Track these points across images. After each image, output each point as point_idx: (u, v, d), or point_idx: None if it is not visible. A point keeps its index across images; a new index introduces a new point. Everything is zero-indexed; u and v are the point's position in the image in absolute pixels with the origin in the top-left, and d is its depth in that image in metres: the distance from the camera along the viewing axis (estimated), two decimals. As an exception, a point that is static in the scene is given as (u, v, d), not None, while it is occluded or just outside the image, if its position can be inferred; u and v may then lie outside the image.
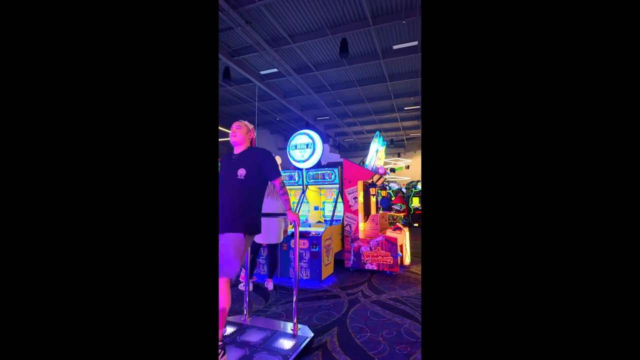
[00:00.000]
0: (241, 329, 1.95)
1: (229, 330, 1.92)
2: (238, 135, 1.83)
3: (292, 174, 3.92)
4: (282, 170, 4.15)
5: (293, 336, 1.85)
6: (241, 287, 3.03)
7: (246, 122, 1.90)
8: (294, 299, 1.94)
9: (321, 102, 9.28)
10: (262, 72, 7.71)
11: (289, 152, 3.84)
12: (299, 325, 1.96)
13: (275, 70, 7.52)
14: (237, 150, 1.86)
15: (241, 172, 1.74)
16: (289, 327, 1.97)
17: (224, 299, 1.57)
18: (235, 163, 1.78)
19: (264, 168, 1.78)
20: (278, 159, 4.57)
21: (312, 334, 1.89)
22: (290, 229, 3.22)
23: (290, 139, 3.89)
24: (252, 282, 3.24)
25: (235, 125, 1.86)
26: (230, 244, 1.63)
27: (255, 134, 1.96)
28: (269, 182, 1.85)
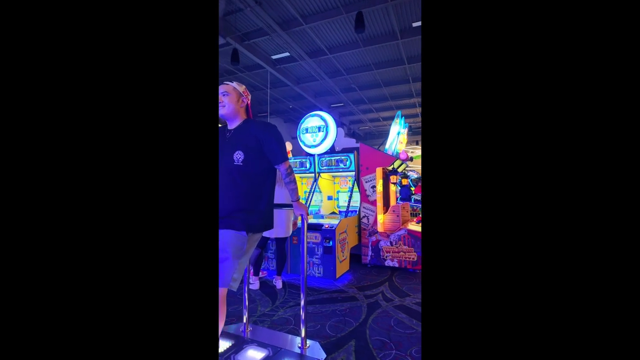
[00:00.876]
0: (238, 343, 1.58)
1: (224, 345, 1.55)
2: (227, 104, 1.33)
3: (303, 160, 3.49)
4: (292, 156, 3.73)
5: (300, 357, 1.46)
6: (248, 284, 2.67)
7: (235, 84, 1.38)
8: (302, 304, 1.54)
9: (335, 88, 8.74)
10: (274, 57, 7.24)
11: (299, 136, 3.40)
12: (308, 342, 1.57)
13: (287, 54, 7.03)
14: (231, 124, 1.38)
15: (238, 157, 1.28)
16: (296, 343, 1.59)
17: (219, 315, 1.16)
18: (230, 142, 1.32)
19: (266, 149, 1.32)
20: (289, 145, 4.15)
21: (324, 355, 1.49)
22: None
23: (301, 121, 3.44)
24: (261, 278, 2.88)
25: (221, 90, 1.34)
26: (227, 244, 1.21)
27: (250, 99, 1.45)
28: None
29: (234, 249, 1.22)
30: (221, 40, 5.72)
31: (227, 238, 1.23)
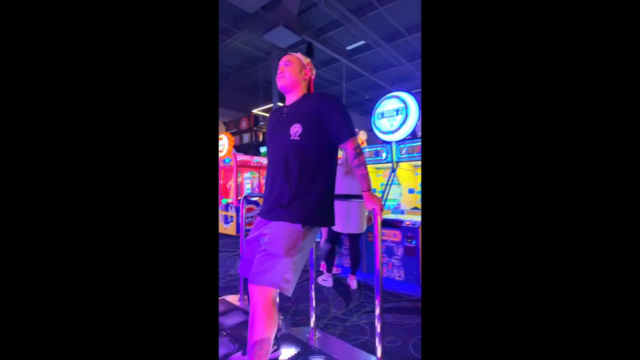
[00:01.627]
0: (304, 352, 1.36)
1: (289, 352, 1.36)
2: (287, 75, 1.15)
3: (379, 149, 3.10)
4: (366, 146, 3.37)
5: (375, 385, 1.15)
6: (321, 280, 2.49)
7: (299, 55, 1.21)
8: (377, 314, 1.21)
9: (415, 72, 7.91)
10: (349, 48, 6.95)
11: (374, 122, 3.02)
12: (385, 366, 1.24)
13: (362, 42, 6.65)
14: (289, 100, 1.18)
15: (295, 130, 1.06)
16: (370, 364, 1.28)
17: (264, 323, 0.95)
18: (287, 118, 1.12)
19: (329, 122, 1.07)
20: (363, 135, 3.80)
21: (405, 389, 1.14)
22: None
23: (376, 106, 3.05)
24: (334, 274, 2.66)
25: (283, 60, 1.18)
26: (279, 237, 1.00)
27: (315, 74, 1.25)
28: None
29: (287, 244, 0.99)
30: (297, 38, 5.73)
31: (280, 231, 1.01)
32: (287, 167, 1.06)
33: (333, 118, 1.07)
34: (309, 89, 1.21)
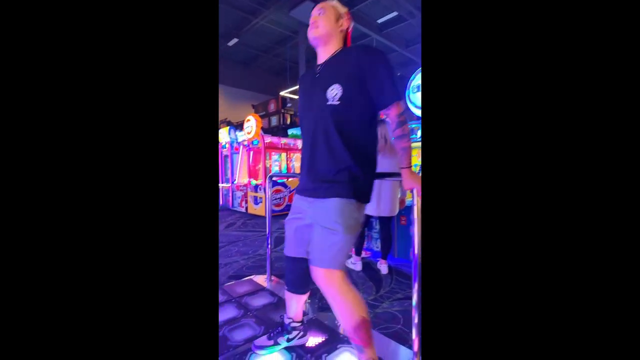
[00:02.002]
0: (332, 340, 1.27)
1: (315, 340, 1.28)
2: (321, 24, 0.96)
3: (413, 126, 2.84)
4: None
5: (411, 383, 1.03)
6: (349, 263, 2.38)
7: (335, 2, 1.00)
8: (415, 302, 1.08)
9: (453, 45, 7.22)
10: (380, 21, 6.47)
11: (408, 97, 2.75)
12: (423, 362, 1.11)
13: (394, 14, 6.14)
14: (321, 57, 0.99)
15: (334, 93, 0.89)
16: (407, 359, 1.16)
17: (350, 305, 0.90)
18: (321, 78, 0.94)
19: (373, 82, 0.89)
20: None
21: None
22: (409, 199, 2.25)
23: (410, 78, 2.77)
24: (364, 258, 2.54)
25: (317, 9, 0.98)
26: (336, 214, 0.88)
27: (352, 26, 1.05)
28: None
29: (347, 220, 0.88)
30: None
31: (335, 207, 0.89)
32: (327, 137, 0.91)
33: (378, 76, 0.88)
34: (345, 42, 1.01)
